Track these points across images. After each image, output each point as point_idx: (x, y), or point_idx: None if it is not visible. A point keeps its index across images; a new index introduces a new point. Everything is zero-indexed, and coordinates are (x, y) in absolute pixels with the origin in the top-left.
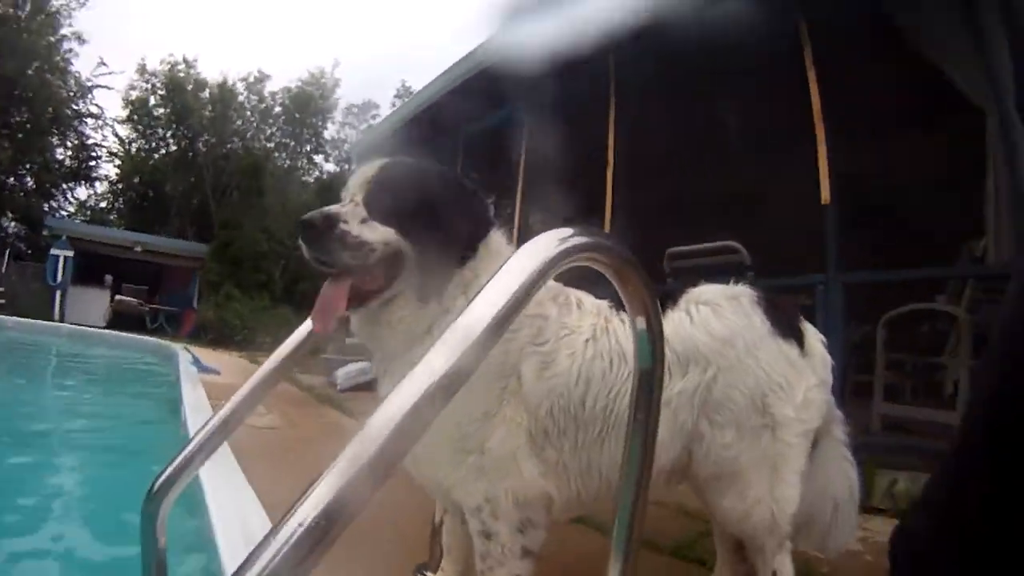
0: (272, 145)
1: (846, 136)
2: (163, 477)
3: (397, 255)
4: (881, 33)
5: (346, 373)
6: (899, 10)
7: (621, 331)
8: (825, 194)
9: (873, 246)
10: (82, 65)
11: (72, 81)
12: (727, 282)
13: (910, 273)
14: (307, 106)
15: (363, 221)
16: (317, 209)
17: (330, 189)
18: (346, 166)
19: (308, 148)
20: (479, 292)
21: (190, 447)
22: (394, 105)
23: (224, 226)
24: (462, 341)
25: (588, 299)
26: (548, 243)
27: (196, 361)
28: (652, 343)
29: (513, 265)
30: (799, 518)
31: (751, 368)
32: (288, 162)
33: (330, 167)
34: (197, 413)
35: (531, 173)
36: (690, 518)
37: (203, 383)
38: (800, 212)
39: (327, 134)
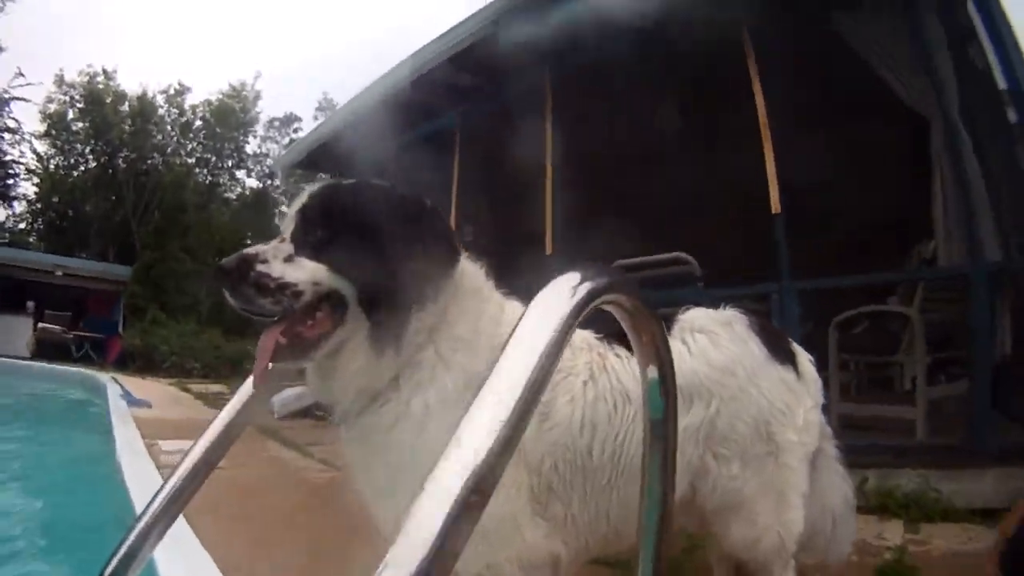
0: (193, 161)
1: (793, 144)
2: (111, 567)
3: (335, 296)
4: (825, 42)
5: (282, 400)
6: (843, 20)
7: (619, 367)
8: (775, 204)
9: (824, 251)
10: None
11: None
12: (685, 295)
13: (865, 278)
14: (228, 120)
15: (288, 259)
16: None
17: (253, 206)
18: (269, 181)
19: (230, 163)
20: (490, 377)
21: (138, 528)
22: (316, 118)
23: (146, 247)
24: (481, 442)
25: (575, 332)
26: (561, 293)
27: (126, 394)
28: (665, 394)
29: (525, 331)
30: (801, 536)
31: (754, 397)
32: (210, 178)
33: (252, 182)
34: (132, 456)
35: (466, 185)
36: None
37: (135, 419)
38: (750, 221)
39: (249, 148)
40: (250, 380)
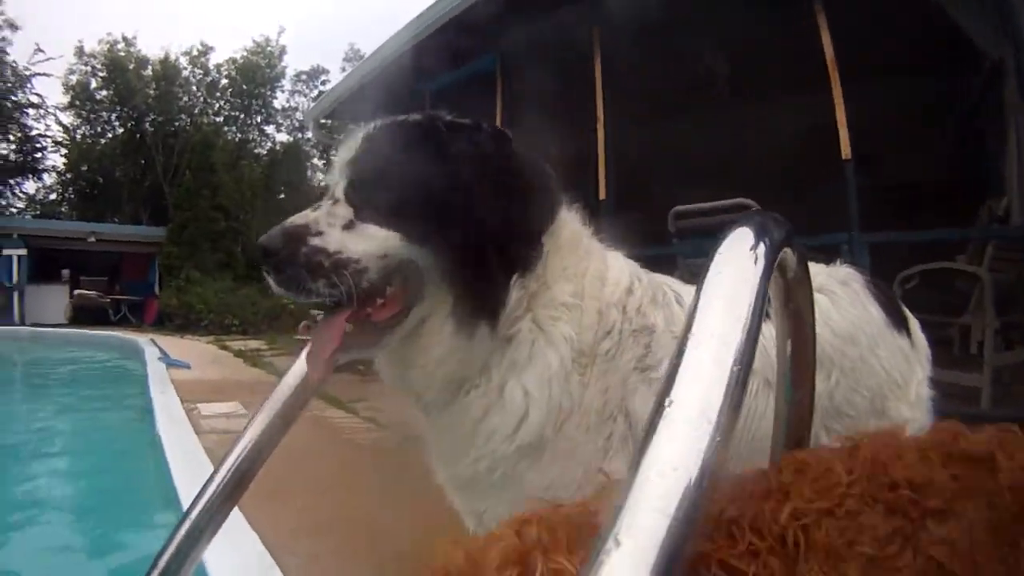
0: (221, 119)
1: (861, 90)
2: (160, 567)
3: (410, 268)
4: None
5: None
6: None
7: None
8: (845, 149)
9: (888, 204)
10: (18, 54)
11: (8, 71)
12: None
13: (937, 234)
14: (254, 76)
15: (348, 226)
16: (281, 223)
17: (284, 160)
18: (299, 135)
19: (258, 119)
20: (673, 373)
21: (186, 527)
22: (344, 70)
23: (179, 208)
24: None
25: (682, 290)
26: (742, 257)
27: (164, 355)
28: (805, 369)
29: (712, 314)
30: None
31: (873, 368)
32: (239, 135)
33: (283, 137)
34: (170, 424)
35: (510, 130)
36: None
37: (174, 381)
38: (814, 168)
39: (277, 103)
40: (297, 368)
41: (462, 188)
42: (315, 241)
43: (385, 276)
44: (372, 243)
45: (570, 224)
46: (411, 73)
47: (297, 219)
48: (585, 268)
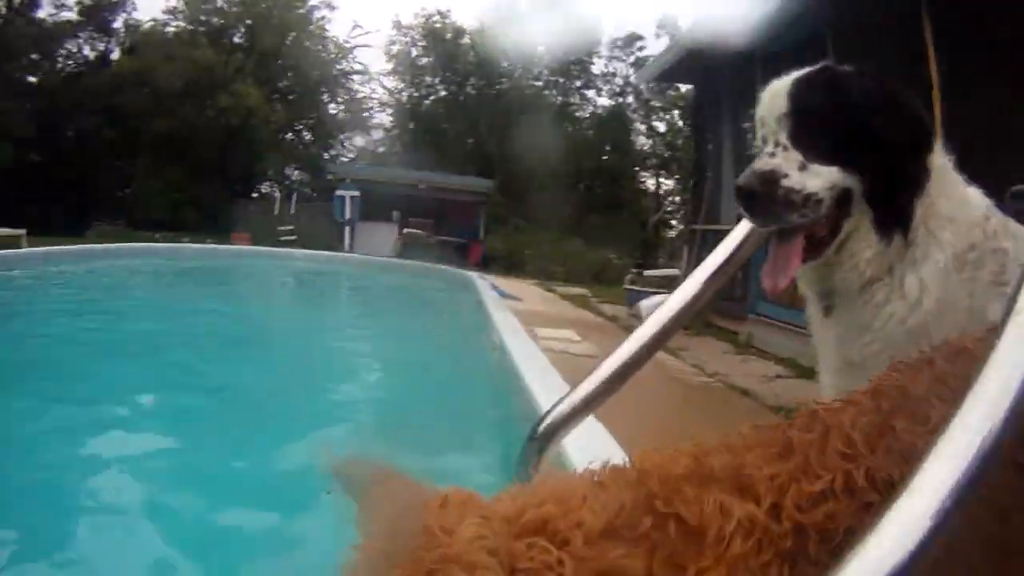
0: (542, 83)
1: None
2: (549, 420)
3: (844, 193)
4: None
5: (649, 305)
6: None
7: None
8: None
9: None
10: (337, 30)
11: (331, 45)
12: None
13: None
14: (570, 43)
15: (801, 168)
16: (748, 170)
17: (608, 122)
18: (620, 99)
19: (578, 84)
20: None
21: (583, 389)
22: (657, 36)
23: (505, 162)
24: None
25: (1018, 228)
26: None
27: (495, 288)
28: None
29: None
30: None
31: None
32: (560, 98)
33: (604, 101)
34: (514, 336)
35: None
36: None
37: (508, 309)
38: None
39: (595, 69)
40: (665, 309)
41: (875, 125)
42: (786, 182)
43: (831, 202)
44: (823, 178)
45: (938, 153)
46: (736, 38)
47: (763, 165)
48: (953, 191)
